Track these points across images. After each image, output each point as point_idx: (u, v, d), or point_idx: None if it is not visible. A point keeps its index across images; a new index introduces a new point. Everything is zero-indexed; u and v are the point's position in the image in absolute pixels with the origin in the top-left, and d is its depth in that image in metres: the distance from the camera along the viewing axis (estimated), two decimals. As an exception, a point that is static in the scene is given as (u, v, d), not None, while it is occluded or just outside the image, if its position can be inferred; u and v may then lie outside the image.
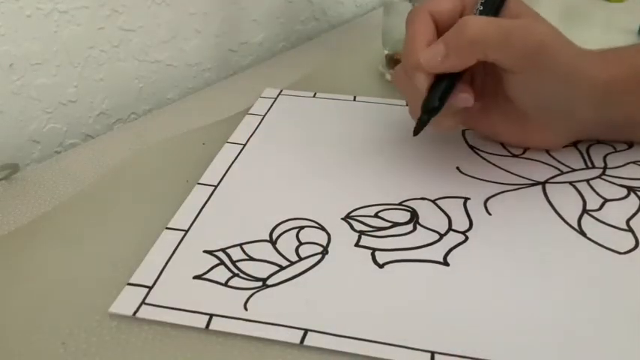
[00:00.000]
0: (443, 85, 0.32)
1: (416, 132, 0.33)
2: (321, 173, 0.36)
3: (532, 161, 0.37)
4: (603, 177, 0.35)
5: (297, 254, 0.30)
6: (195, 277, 0.29)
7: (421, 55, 0.31)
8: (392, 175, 0.36)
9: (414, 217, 0.32)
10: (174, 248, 0.30)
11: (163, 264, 0.29)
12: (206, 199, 0.34)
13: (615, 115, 0.35)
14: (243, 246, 0.30)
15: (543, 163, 0.37)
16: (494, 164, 0.37)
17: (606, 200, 0.33)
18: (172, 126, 0.43)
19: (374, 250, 0.30)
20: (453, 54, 0.31)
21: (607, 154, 0.37)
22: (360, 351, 0.25)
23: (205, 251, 0.30)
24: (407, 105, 0.36)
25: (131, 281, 0.28)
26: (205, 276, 0.29)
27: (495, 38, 0.31)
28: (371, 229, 0.32)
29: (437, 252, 0.30)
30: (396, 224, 0.32)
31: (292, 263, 0.29)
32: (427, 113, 0.32)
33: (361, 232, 0.31)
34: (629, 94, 0.34)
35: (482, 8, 0.33)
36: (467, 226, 0.32)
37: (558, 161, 0.37)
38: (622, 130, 0.37)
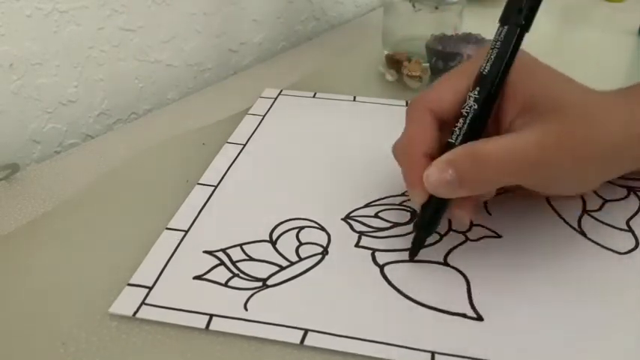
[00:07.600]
0: (439, 202, 0.28)
1: (412, 255, 0.29)
2: (321, 173, 0.36)
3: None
4: (603, 177, 0.35)
5: (297, 254, 0.30)
6: (195, 278, 0.29)
7: (426, 178, 0.27)
8: (392, 176, 0.36)
9: (414, 217, 0.32)
10: (174, 248, 0.30)
11: (163, 264, 0.29)
12: (206, 199, 0.34)
13: None
14: (243, 246, 0.30)
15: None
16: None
17: (606, 200, 0.33)
18: (172, 126, 0.43)
19: (374, 250, 0.30)
20: (467, 187, 0.27)
21: (607, 155, 0.37)
22: (360, 351, 0.25)
23: (205, 251, 0.30)
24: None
25: (131, 281, 0.28)
26: (205, 276, 0.29)
27: (514, 174, 0.27)
28: (371, 229, 0.32)
29: (437, 252, 0.30)
30: (396, 224, 0.32)
31: (292, 263, 0.29)
32: (424, 233, 0.29)
33: (361, 233, 0.31)
34: None
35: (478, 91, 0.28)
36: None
37: (558, 161, 0.37)
38: None
